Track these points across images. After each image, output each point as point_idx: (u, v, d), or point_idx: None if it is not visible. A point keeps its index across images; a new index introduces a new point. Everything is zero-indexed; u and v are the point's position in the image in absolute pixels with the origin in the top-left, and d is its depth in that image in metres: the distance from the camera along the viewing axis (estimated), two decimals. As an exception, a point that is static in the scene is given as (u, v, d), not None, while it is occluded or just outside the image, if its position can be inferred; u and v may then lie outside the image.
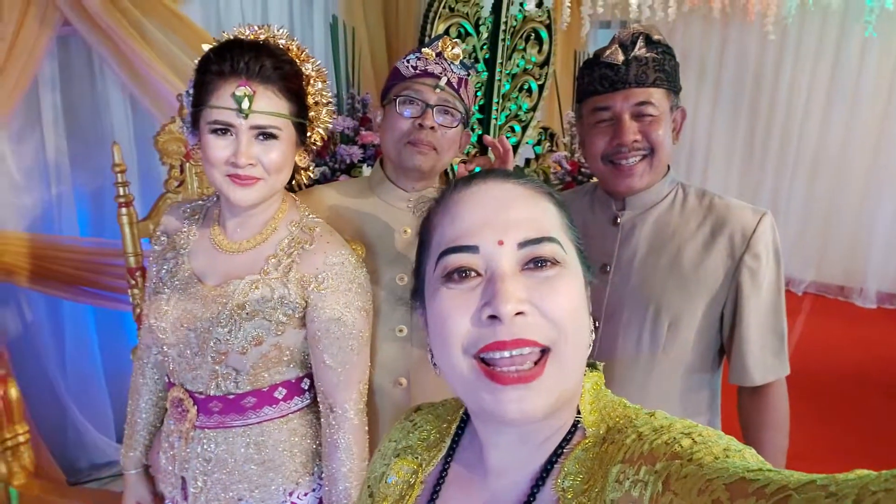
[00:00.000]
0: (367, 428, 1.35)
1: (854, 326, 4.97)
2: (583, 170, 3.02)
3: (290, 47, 1.28)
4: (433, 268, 0.66)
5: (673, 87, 1.35)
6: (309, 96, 1.30)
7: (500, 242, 0.62)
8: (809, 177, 5.58)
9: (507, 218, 0.64)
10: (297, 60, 1.28)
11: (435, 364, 0.69)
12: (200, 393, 1.28)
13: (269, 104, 1.19)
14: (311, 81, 1.30)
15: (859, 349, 4.48)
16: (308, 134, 1.32)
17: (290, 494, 1.35)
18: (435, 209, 0.71)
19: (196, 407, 1.28)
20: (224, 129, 1.18)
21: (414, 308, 0.75)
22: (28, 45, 2.20)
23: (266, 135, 1.20)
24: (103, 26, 2.29)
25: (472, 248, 0.63)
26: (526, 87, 3.32)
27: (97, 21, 2.29)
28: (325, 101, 1.34)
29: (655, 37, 1.33)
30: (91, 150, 2.59)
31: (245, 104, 1.16)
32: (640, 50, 1.31)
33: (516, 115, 3.37)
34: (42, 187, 2.50)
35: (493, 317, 0.59)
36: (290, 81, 1.23)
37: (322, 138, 1.36)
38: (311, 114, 1.31)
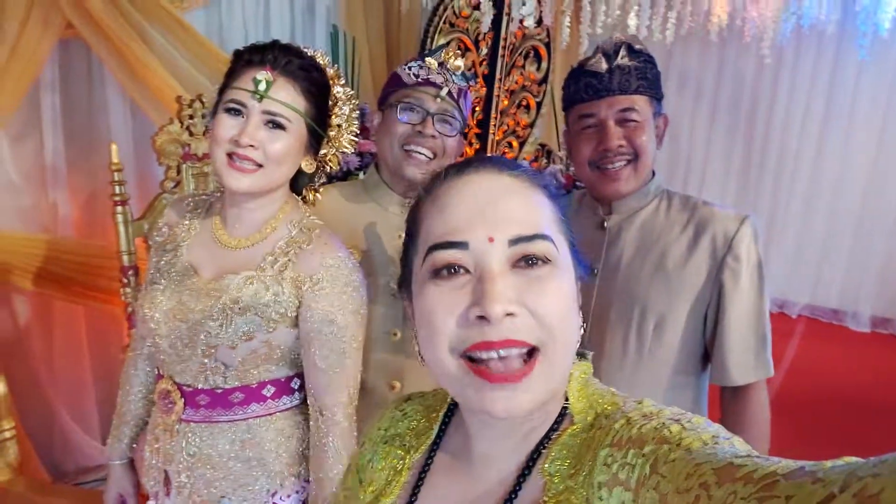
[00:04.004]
0: (356, 432, 1.34)
1: (847, 350, 4.97)
2: (577, 184, 3.04)
3: (327, 67, 1.33)
4: (421, 262, 0.65)
5: (655, 95, 1.40)
6: (334, 116, 1.34)
7: (491, 239, 0.61)
8: (805, 200, 5.60)
9: (499, 213, 0.62)
10: (330, 79, 1.32)
11: (422, 357, 0.68)
12: (188, 386, 1.27)
13: (286, 95, 1.22)
14: (339, 104, 1.34)
15: (852, 373, 4.48)
16: (323, 151, 1.35)
17: (273, 495, 1.34)
18: (424, 197, 0.69)
19: (183, 400, 1.28)
20: (237, 110, 1.21)
21: (400, 298, 0.74)
22: (31, 47, 2.21)
23: (275, 124, 1.22)
24: (106, 30, 2.31)
25: (461, 245, 0.62)
26: (524, 103, 3.35)
27: (101, 24, 2.30)
28: (348, 128, 1.37)
29: (637, 46, 1.38)
30: (89, 153, 2.60)
31: (262, 87, 1.19)
32: (622, 59, 1.36)
33: (514, 131, 3.40)
34: (39, 189, 2.51)
35: (481, 317, 0.58)
36: (314, 86, 1.26)
37: (338, 162, 1.39)
38: (332, 133, 1.34)
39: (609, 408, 0.65)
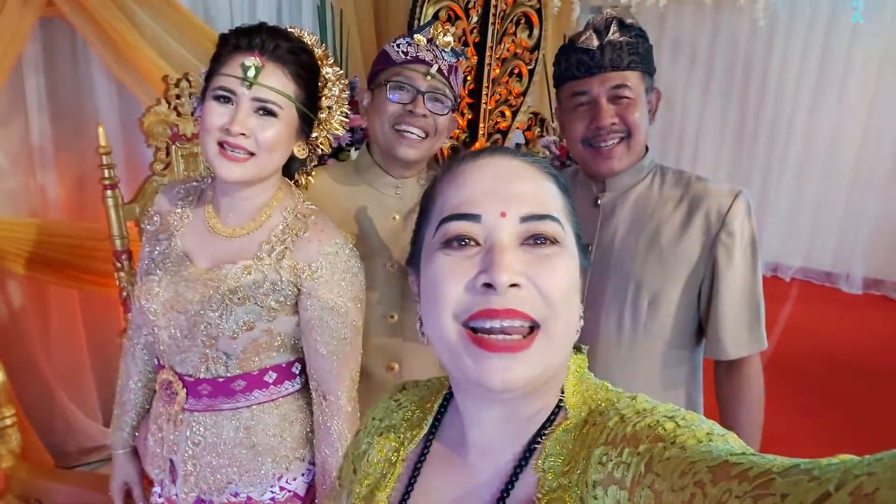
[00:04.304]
0: (359, 415, 1.35)
1: (840, 312, 5.02)
2: (571, 155, 3.02)
3: (315, 48, 1.30)
4: (433, 233, 0.66)
5: (647, 70, 1.39)
6: (324, 98, 1.32)
7: (503, 214, 0.62)
8: (799, 163, 5.61)
9: (512, 191, 0.64)
10: (318, 60, 1.29)
11: (423, 333, 0.69)
12: (190, 376, 1.27)
13: (275, 81, 1.19)
14: (329, 85, 1.32)
15: (845, 335, 4.53)
16: (314, 134, 1.33)
17: (279, 479, 1.35)
18: (440, 178, 0.71)
19: (185, 390, 1.28)
20: (226, 98, 1.18)
21: (407, 275, 0.75)
22: (11, 26, 2.16)
23: (266, 110, 1.20)
24: (89, 8, 2.26)
25: (474, 217, 0.63)
26: (516, 71, 3.30)
27: (83, 2, 2.25)
28: (339, 110, 1.35)
29: (629, 21, 1.37)
30: (76, 134, 2.56)
31: (251, 73, 1.17)
32: (613, 34, 1.35)
33: (506, 100, 3.35)
34: (26, 172, 2.48)
35: (487, 285, 0.60)
36: (303, 69, 1.24)
37: (329, 144, 1.37)
38: (322, 115, 1.32)
39: (603, 404, 0.65)
